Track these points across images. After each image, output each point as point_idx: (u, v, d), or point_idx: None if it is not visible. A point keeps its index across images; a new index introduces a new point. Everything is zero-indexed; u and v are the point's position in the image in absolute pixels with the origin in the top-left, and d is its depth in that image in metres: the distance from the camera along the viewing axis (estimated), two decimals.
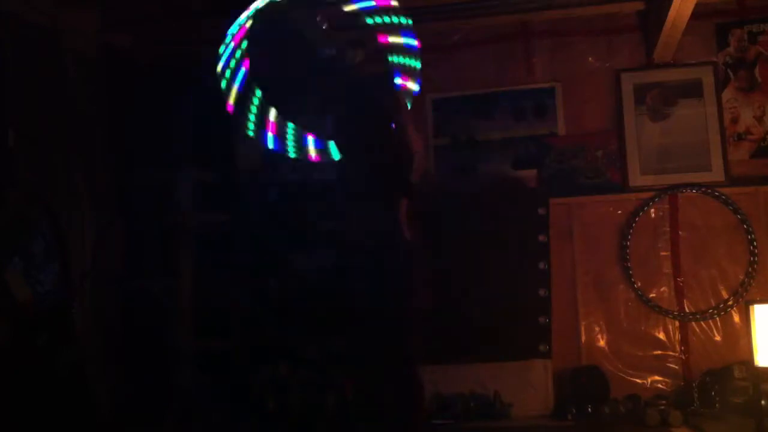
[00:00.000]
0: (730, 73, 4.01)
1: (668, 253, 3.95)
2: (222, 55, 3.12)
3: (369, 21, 3.17)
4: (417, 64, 3.26)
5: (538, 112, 4.18)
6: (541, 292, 3.91)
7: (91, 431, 3.37)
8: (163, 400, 3.73)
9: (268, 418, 3.66)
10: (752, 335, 3.19)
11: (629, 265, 3.95)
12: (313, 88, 3.68)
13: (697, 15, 3.60)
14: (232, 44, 3.10)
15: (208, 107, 4.15)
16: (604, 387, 3.76)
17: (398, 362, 2.91)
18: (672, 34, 3.74)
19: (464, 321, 3.89)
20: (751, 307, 3.23)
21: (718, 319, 3.85)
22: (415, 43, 3.22)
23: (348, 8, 3.19)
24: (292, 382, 3.75)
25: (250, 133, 3.22)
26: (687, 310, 3.88)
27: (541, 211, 4.00)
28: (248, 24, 3.11)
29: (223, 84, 3.13)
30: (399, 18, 3.15)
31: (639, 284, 3.93)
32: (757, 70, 3.99)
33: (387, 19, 3.16)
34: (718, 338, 3.85)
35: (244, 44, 3.13)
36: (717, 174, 3.92)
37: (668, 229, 3.97)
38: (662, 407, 3.49)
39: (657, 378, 3.86)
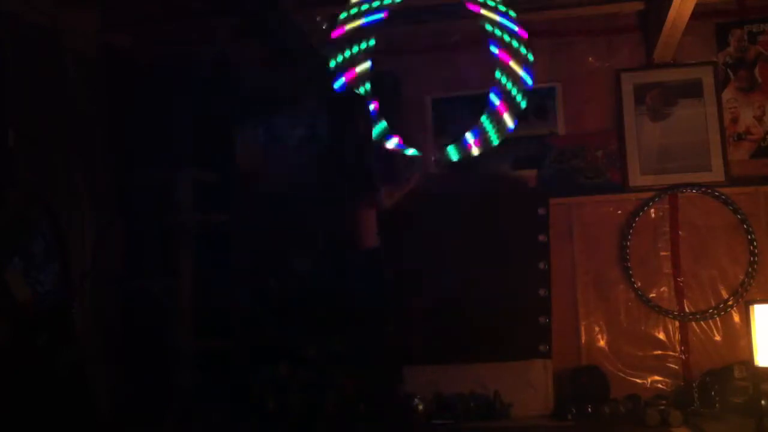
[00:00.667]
0: (730, 73, 4.01)
1: (668, 253, 3.95)
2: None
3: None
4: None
5: (538, 112, 4.18)
6: (541, 292, 3.91)
7: (91, 431, 3.37)
8: (163, 400, 3.73)
9: (268, 418, 3.66)
10: (752, 335, 3.19)
11: (629, 265, 3.95)
12: None
13: (697, 15, 3.60)
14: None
15: (208, 107, 4.16)
16: (604, 387, 3.76)
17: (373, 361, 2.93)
18: (672, 34, 3.74)
19: (464, 321, 3.89)
20: (751, 307, 3.23)
21: (718, 319, 3.85)
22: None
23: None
24: (292, 382, 3.74)
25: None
26: (687, 310, 3.88)
27: (541, 211, 4.00)
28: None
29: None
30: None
31: (639, 284, 3.93)
32: (757, 70, 3.99)
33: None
34: (718, 338, 3.85)
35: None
36: (717, 174, 3.93)
37: (668, 229, 3.97)
38: (662, 407, 3.48)
39: (657, 378, 3.86)
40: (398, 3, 3.54)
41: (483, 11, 3.49)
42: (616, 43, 4.14)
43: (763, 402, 3.12)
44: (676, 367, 3.85)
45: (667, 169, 3.99)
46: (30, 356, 3.17)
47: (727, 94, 4.00)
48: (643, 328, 3.92)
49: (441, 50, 4.31)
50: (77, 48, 3.86)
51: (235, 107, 4.27)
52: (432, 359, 3.86)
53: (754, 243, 3.82)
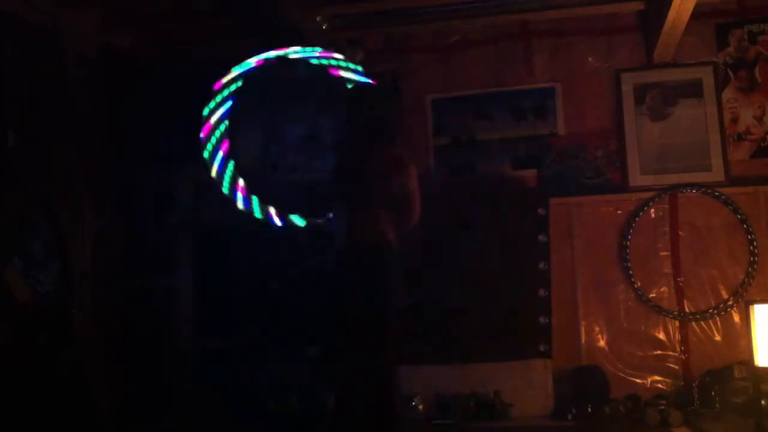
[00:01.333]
0: (730, 73, 4.01)
1: (668, 253, 3.95)
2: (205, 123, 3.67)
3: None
4: None
5: (538, 112, 4.18)
6: (541, 292, 3.91)
7: (91, 431, 3.37)
8: (163, 400, 3.73)
9: (268, 418, 3.66)
10: (752, 335, 3.19)
11: (629, 265, 3.95)
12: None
13: (697, 15, 3.60)
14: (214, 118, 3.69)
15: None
16: (604, 387, 3.76)
17: (376, 362, 2.94)
18: (672, 34, 3.74)
19: (464, 321, 3.89)
20: (751, 307, 3.23)
21: (718, 319, 3.85)
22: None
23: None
24: (292, 382, 3.75)
25: (225, 191, 3.68)
26: (687, 310, 3.88)
27: (541, 211, 4.01)
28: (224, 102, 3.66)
29: (206, 155, 3.66)
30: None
31: (639, 284, 3.93)
32: (757, 70, 3.99)
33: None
34: (718, 338, 3.85)
35: (223, 126, 3.74)
36: (717, 174, 3.92)
37: (668, 229, 3.97)
38: (662, 407, 3.49)
39: (657, 378, 3.85)
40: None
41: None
42: (616, 43, 4.14)
43: (763, 402, 3.12)
44: (676, 367, 3.85)
45: (667, 169, 3.99)
46: (30, 356, 3.17)
47: (727, 94, 3.99)
48: (643, 328, 3.92)
49: (441, 50, 4.31)
50: (77, 48, 3.87)
51: (235, 107, 4.28)
52: (432, 359, 3.86)
53: (754, 243, 3.82)
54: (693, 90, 4.02)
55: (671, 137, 4.01)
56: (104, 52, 4.07)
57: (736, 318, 3.83)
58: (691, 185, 3.93)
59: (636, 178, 4.01)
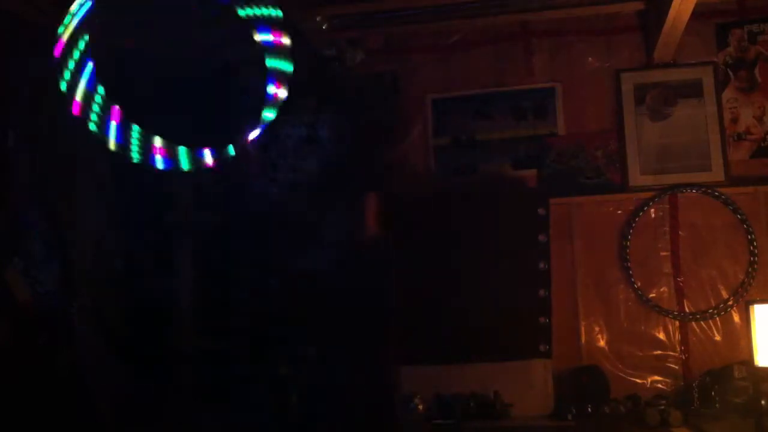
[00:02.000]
0: (730, 73, 4.01)
1: (668, 253, 3.95)
2: (58, 49, 2.72)
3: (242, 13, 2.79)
4: (288, 67, 2.81)
5: (538, 112, 4.18)
6: (541, 292, 3.91)
7: (91, 431, 3.37)
8: (163, 400, 3.73)
9: (268, 418, 3.66)
10: (752, 335, 3.19)
11: (629, 265, 3.95)
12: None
13: (697, 15, 3.60)
14: (66, 35, 2.73)
15: (208, 107, 4.16)
16: (604, 387, 3.76)
17: (375, 361, 2.95)
18: (672, 34, 3.74)
19: (464, 321, 3.89)
20: (751, 307, 3.23)
21: (718, 319, 3.85)
22: (284, 41, 2.78)
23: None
24: (292, 382, 3.75)
25: (93, 128, 2.77)
26: (687, 310, 3.88)
27: (541, 211, 4.00)
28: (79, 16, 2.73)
29: (63, 85, 2.77)
30: (269, 10, 2.75)
31: (639, 284, 3.93)
32: (757, 70, 3.99)
33: (259, 12, 2.76)
34: (718, 338, 3.85)
35: (84, 40, 2.75)
36: (717, 174, 3.92)
37: (668, 229, 3.97)
38: (662, 407, 3.48)
39: (657, 378, 3.86)
40: None
41: None
42: (616, 43, 4.14)
43: (763, 402, 3.12)
44: (676, 367, 3.85)
45: (667, 169, 3.99)
46: (30, 356, 3.17)
47: (727, 94, 4.00)
48: (643, 328, 3.92)
49: (441, 50, 4.31)
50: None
51: (235, 107, 4.28)
52: (432, 359, 3.86)
53: (754, 243, 3.82)
54: (693, 90, 4.02)
55: (671, 137, 4.02)
56: (104, 52, 4.06)
57: (736, 318, 3.83)
58: (691, 185, 3.93)
59: (636, 178, 4.01)
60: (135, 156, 2.75)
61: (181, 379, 3.83)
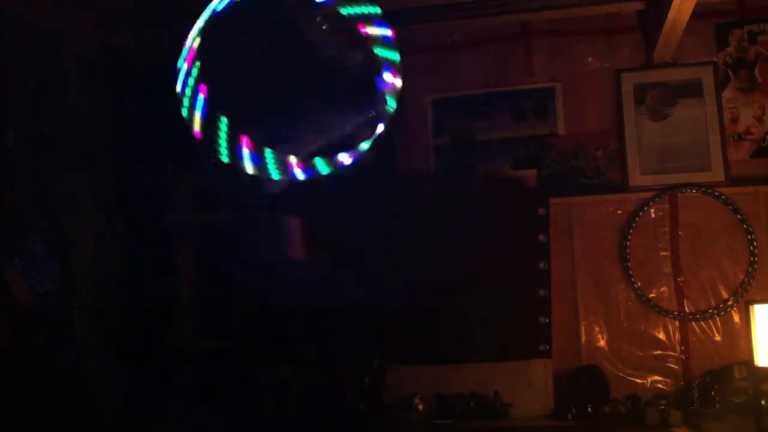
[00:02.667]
0: (730, 73, 4.01)
1: (668, 253, 3.95)
2: (179, 73, 2.83)
3: (344, 12, 2.89)
4: (396, 56, 2.91)
5: (538, 112, 4.18)
6: (541, 292, 3.91)
7: (91, 431, 3.37)
8: (163, 400, 3.73)
9: (268, 418, 3.66)
10: (752, 335, 3.19)
11: (629, 265, 3.95)
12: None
13: (697, 15, 3.60)
14: (186, 65, 2.83)
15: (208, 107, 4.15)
16: (604, 387, 3.76)
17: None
18: (672, 34, 3.74)
19: (464, 321, 3.89)
20: (751, 307, 3.23)
21: (718, 319, 3.85)
22: (389, 33, 2.90)
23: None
24: (292, 382, 3.75)
25: (225, 159, 2.77)
26: (687, 310, 3.88)
27: (541, 211, 4.01)
28: (196, 45, 2.83)
29: (185, 111, 2.82)
30: (369, 8, 2.87)
31: (639, 284, 3.93)
32: (757, 70, 3.99)
33: (359, 10, 2.87)
34: (718, 338, 3.85)
35: (196, 68, 2.82)
36: (717, 174, 3.92)
37: (668, 229, 3.97)
38: (662, 407, 3.48)
39: (657, 378, 3.86)
40: None
41: None
42: (616, 43, 4.14)
43: (763, 402, 3.11)
44: (676, 367, 3.85)
45: (667, 169, 3.99)
46: (30, 356, 3.17)
47: (727, 94, 4.00)
48: (643, 328, 3.92)
49: (441, 50, 4.31)
50: (77, 48, 3.86)
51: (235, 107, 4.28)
52: (432, 359, 3.86)
53: (754, 243, 3.82)
54: (693, 90, 4.02)
55: (671, 137, 4.02)
56: (104, 52, 4.06)
57: (736, 318, 3.83)
58: (691, 185, 3.93)
59: (636, 178, 4.01)
60: (275, 174, 2.70)
61: (181, 379, 3.83)
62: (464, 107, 4.25)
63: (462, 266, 3.94)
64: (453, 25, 4.25)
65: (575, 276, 4.01)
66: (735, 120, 3.98)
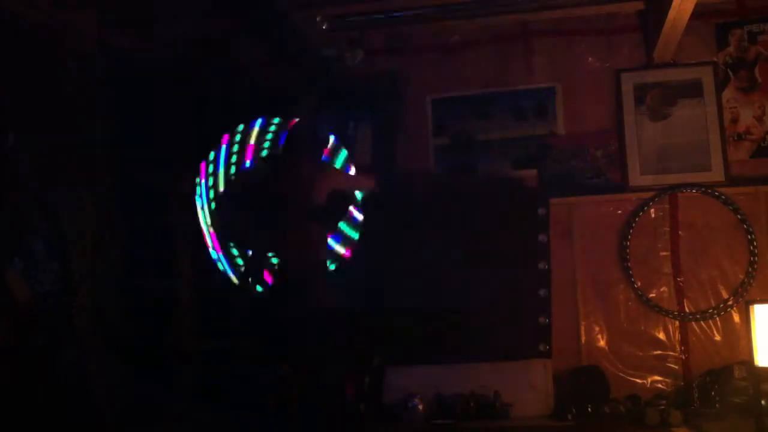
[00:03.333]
0: (730, 73, 4.01)
1: (668, 253, 3.95)
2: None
3: None
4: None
5: (538, 112, 4.18)
6: (541, 292, 3.91)
7: (91, 431, 3.37)
8: (163, 400, 3.73)
9: (268, 418, 3.66)
10: (752, 335, 3.18)
11: (629, 265, 3.95)
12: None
13: (697, 15, 3.60)
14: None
15: (208, 107, 4.16)
16: (604, 387, 3.76)
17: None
18: (672, 34, 3.74)
19: (464, 321, 3.89)
20: (751, 307, 3.23)
21: (718, 319, 3.85)
22: None
23: None
24: (292, 382, 3.75)
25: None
26: (687, 310, 3.88)
27: (541, 211, 4.00)
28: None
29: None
30: None
31: (639, 284, 3.93)
32: (757, 70, 3.99)
33: None
34: (718, 338, 3.85)
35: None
36: (717, 174, 3.92)
37: (668, 229, 3.97)
38: (662, 407, 3.48)
39: (657, 378, 3.86)
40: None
41: None
42: (616, 43, 4.14)
43: (763, 402, 3.11)
44: (676, 367, 3.85)
45: (667, 169, 3.99)
46: (30, 356, 3.17)
47: (727, 94, 4.00)
48: (643, 328, 3.92)
49: (441, 50, 4.31)
50: (77, 48, 3.86)
51: (235, 107, 4.28)
52: (432, 359, 3.86)
53: (754, 243, 3.82)
54: (693, 90, 4.02)
55: (671, 137, 4.02)
56: (104, 52, 4.06)
57: (736, 318, 3.83)
58: (691, 185, 3.93)
59: (636, 178, 4.01)
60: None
61: (181, 379, 3.83)
62: (464, 107, 4.25)
63: (462, 266, 3.93)
64: (453, 25, 4.25)
65: (575, 276, 4.01)
66: (735, 120, 3.98)
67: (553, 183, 4.08)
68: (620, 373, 3.87)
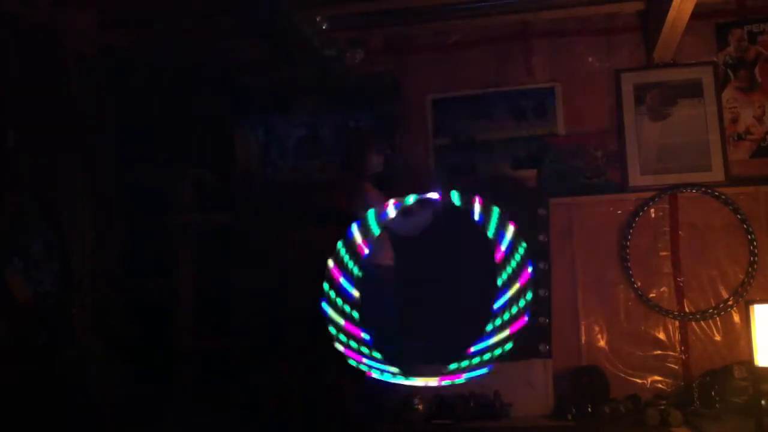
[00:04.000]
0: (730, 73, 4.01)
1: (668, 253, 3.95)
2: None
3: None
4: None
5: (538, 112, 4.18)
6: (541, 292, 3.91)
7: (91, 431, 3.37)
8: (163, 400, 3.73)
9: (268, 418, 3.66)
10: (752, 335, 3.19)
11: (629, 265, 3.95)
12: None
13: (697, 15, 3.61)
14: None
15: (208, 107, 4.16)
16: (604, 387, 3.76)
17: None
18: (672, 34, 3.74)
19: (464, 321, 3.88)
20: (751, 307, 3.23)
21: (718, 319, 3.85)
22: None
23: None
24: (292, 382, 3.75)
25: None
26: (687, 310, 3.88)
27: (541, 211, 4.00)
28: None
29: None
30: None
31: (639, 284, 3.93)
32: (757, 70, 3.99)
33: None
34: (718, 338, 3.85)
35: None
36: (717, 174, 3.92)
37: (668, 229, 3.97)
38: (662, 407, 3.49)
39: (657, 378, 3.85)
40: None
41: None
42: (616, 43, 4.14)
43: (763, 402, 3.11)
44: (676, 367, 3.85)
45: (667, 169, 3.99)
46: (30, 356, 3.17)
47: (727, 94, 4.00)
48: (643, 328, 3.92)
49: (441, 50, 4.31)
50: (77, 48, 3.86)
51: (236, 107, 4.28)
52: (432, 359, 3.85)
53: (754, 243, 3.82)
54: (693, 90, 4.02)
55: (671, 137, 4.02)
56: (104, 52, 4.06)
57: (736, 318, 3.83)
58: (691, 185, 3.93)
59: (636, 178, 4.01)
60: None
61: (181, 379, 3.83)
62: (464, 107, 4.25)
63: (462, 266, 3.93)
64: (453, 25, 4.25)
65: (575, 276, 4.01)
66: (735, 120, 3.98)
67: (553, 183, 4.08)
68: (620, 373, 3.87)
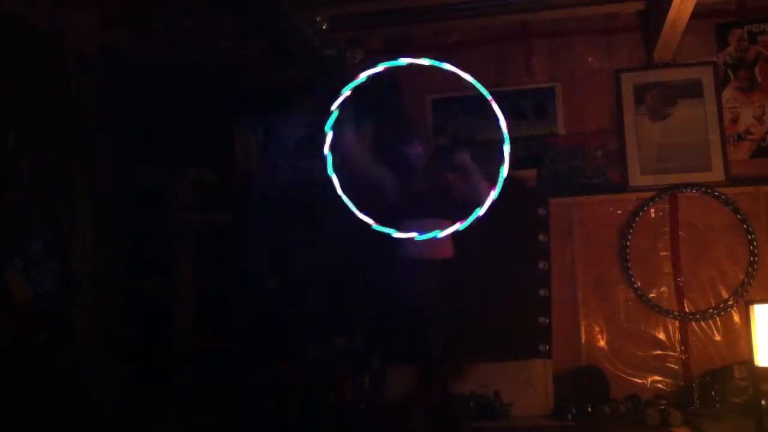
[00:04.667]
0: (730, 73, 4.01)
1: (668, 253, 3.95)
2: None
3: None
4: None
5: (538, 112, 4.18)
6: (541, 292, 3.91)
7: (91, 431, 3.37)
8: (163, 400, 3.73)
9: (268, 418, 3.66)
10: (752, 335, 3.19)
11: (629, 265, 3.95)
12: None
13: (697, 15, 3.61)
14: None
15: (208, 107, 4.16)
16: (604, 387, 3.76)
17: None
18: (672, 34, 3.74)
19: (464, 321, 3.88)
20: (751, 307, 3.23)
21: (718, 319, 3.85)
22: None
23: None
24: (292, 382, 3.75)
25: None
26: (687, 310, 3.88)
27: (541, 211, 4.00)
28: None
29: None
30: None
31: (639, 284, 3.93)
32: (757, 70, 3.99)
33: None
34: (718, 338, 3.85)
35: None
36: (717, 174, 3.92)
37: (668, 229, 3.97)
38: (662, 407, 3.49)
39: (657, 378, 3.86)
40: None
41: None
42: (616, 43, 4.14)
43: (763, 402, 3.12)
44: (676, 367, 3.85)
45: (667, 169, 3.99)
46: (30, 356, 3.17)
47: (727, 94, 4.00)
48: (643, 328, 3.92)
49: (441, 50, 4.31)
50: (77, 48, 3.86)
51: (236, 107, 4.28)
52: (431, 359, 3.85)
53: (754, 243, 3.82)
54: (693, 90, 4.02)
55: (671, 137, 4.02)
56: (104, 52, 4.06)
57: (736, 318, 3.83)
58: (691, 185, 3.93)
59: (636, 178, 4.01)
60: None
61: (181, 379, 3.83)
62: (464, 107, 4.25)
63: (462, 266, 3.93)
64: (453, 25, 4.25)
65: (575, 276, 4.01)
66: (735, 120, 3.98)
67: (553, 183, 4.08)
68: (620, 373, 3.87)
